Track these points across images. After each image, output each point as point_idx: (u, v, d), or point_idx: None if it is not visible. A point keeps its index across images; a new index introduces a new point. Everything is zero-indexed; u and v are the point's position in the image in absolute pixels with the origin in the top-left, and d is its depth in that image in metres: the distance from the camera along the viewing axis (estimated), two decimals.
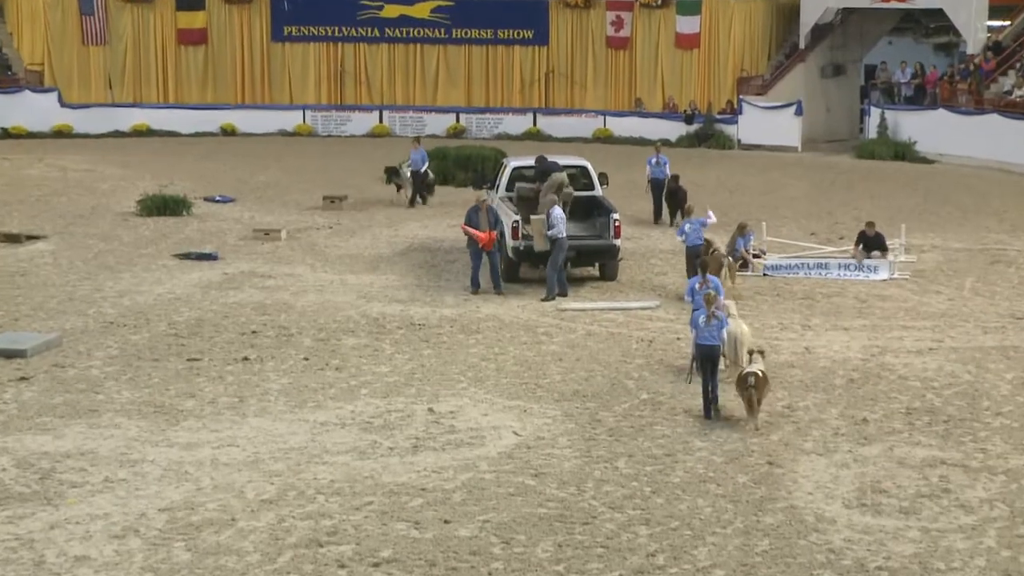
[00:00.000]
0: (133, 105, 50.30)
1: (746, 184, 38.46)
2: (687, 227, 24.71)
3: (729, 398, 17.32)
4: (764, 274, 25.72)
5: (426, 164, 33.79)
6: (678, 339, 20.29)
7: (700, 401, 17.22)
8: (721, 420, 16.86)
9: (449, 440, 16.06)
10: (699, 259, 21.96)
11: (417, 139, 34.10)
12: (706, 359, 17.33)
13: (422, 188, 33.52)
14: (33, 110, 48.29)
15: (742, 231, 25.96)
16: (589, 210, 26.37)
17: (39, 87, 49.44)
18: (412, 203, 33.28)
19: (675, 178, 31.73)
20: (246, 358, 19.75)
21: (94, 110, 49.35)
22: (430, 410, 17.24)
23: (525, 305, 23.26)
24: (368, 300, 23.67)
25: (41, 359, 19.50)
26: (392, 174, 34.12)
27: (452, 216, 31.34)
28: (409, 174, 33.62)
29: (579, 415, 17.10)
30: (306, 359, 19.76)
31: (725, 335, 17.79)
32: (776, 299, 24.05)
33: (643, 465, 15.22)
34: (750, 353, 17.78)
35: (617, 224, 24.82)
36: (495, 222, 24.27)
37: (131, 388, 18.17)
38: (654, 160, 32.51)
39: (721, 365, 17.69)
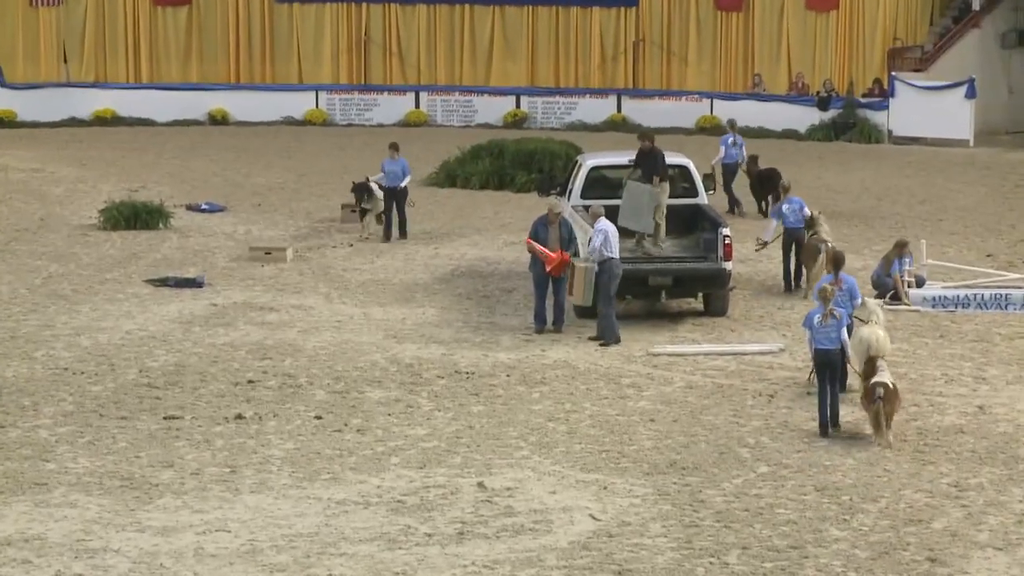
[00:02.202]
0: (95, 85, 50.83)
1: (900, 189, 38.29)
2: (784, 207, 26.73)
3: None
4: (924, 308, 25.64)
5: (407, 179, 32.39)
6: (809, 394, 20.23)
7: (835, 477, 17.35)
8: (841, 437, 17.90)
9: (505, 525, 16.08)
10: (834, 253, 22.42)
11: (394, 146, 33.23)
12: (823, 366, 18.52)
13: (401, 211, 32.11)
14: None
15: (900, 250, 26.03)
16: (691, 224, 26.33)
17: None
18: (388, 234, 31.88)
19: (754, 159, 33.71)
20: (240, 416, 19.86)
21: (44, 91, 49.91)
22: (480, 485, 17.26)
23: (605, 349, 23.28)
24: (399, 341, 23.77)
25: None
26: (362, 193, 32.32)
27: (435, 249, 31.08)
28: (381, 193, 32.09)
29: (676, 493, 17.08)
30: (318, 417, 19.86)
31: (846, 337, 18.72)
32: (939, 342, 23.92)
33: (761, 560, 15.17)
34: (871, 359, 18.56)
35: (728, 242, 24.78)
36: (569, 239, 24.27)
37: (90, 455, 18.31)
38: (731, 139, 34.75)
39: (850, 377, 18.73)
